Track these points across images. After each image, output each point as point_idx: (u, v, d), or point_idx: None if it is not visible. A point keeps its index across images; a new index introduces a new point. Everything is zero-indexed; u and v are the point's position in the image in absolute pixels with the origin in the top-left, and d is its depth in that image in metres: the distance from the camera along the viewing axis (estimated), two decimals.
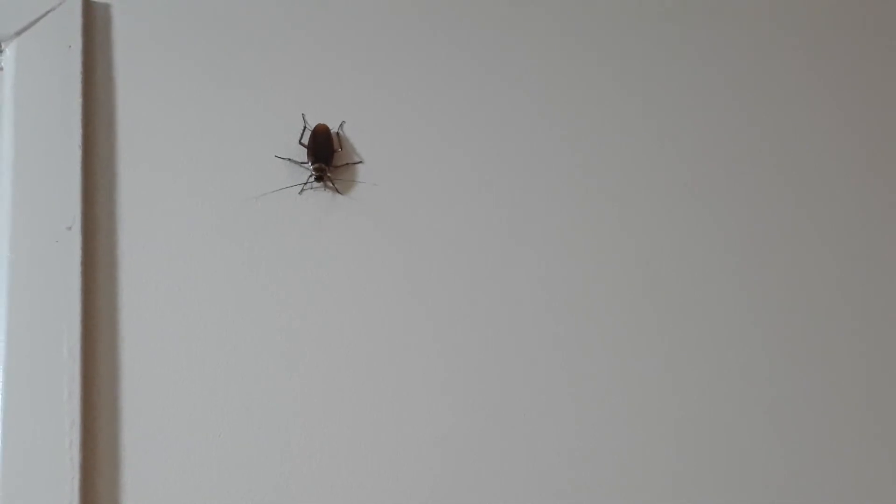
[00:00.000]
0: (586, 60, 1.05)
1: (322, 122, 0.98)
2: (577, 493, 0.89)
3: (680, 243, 0.99)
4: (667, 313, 0.96)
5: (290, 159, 0.96)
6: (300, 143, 0.97)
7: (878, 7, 1.10)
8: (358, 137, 0.99)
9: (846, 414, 0.94)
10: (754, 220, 1.00)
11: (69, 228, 0.90)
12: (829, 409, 0.94)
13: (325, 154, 0.97)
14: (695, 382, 0.94)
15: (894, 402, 0.95)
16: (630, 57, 1.05)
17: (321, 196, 0.96)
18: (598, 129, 1.02)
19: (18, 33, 0.97)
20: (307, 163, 0.96)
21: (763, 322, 0.97)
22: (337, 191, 0.96)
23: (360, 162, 0.98)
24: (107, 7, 0.99)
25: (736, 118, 1.04)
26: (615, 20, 1.07)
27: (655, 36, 1.06)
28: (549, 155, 1.01)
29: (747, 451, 0.92)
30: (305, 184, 0.96)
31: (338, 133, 0.99)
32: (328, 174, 0.96)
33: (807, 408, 0.94)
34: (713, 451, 0.92)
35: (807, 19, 1.09)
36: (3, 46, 0.97)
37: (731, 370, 0.94)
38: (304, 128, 0.98)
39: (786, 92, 1.05)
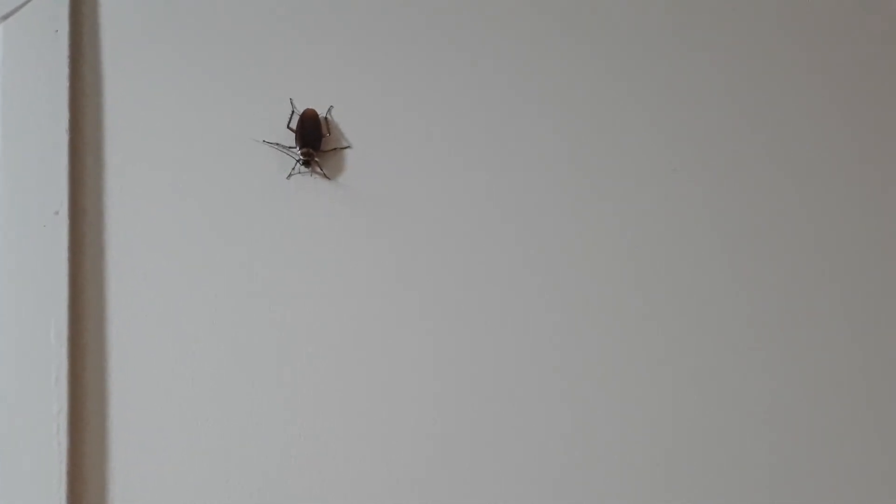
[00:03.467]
0: (578, 49, 1.04)
1: (310, 107, 0.98)
2: (572, 491, 0.89)
3: (676, 238, 0.98)
4: (662, 307, 0.95)
5: (277, 144, 0.96)
6: (288, 127, 0.97)
7: (873, 3, 1.09)
8: (346, 122, 0.99)
9: (843, 412, 0.93)
10: (751, 215, 0.99)
11: (56, 213, 0.90)
12: (827, 406, 0.93)
13: (313, 139, 0.96)
14: (690, 378, 0.93)
15: (893, 398, 0.94)
16: (624, 48, 1.04)
17: (309, 181, 0.96)
18: (590, 116, 1.01)
19: (5, 17, 0.97)
20: (295, 148, 0.96)
21: (758, 316, 0.96)
22: (325, 176, 0.96)
23: (349, 147, 0.98)
24: None
25: (731, 114, 1.03)
26: (609, 11, 1.06)
27: (649, 28, 1.05)
28: (540, 142, 1.00)
29: (746, 450, 0.91)
30: (293, 169, 0.95)
31: (326, 118, 0.99)
32: (316, 159, 0.96)
33: (803, 404, 0.93)
34: (711, 448, 0.91)
35: (801, 11, 1.08)
36: None
37: (729, 367, 0.93)
38: (292, 112, 0.98)
39: (781, 84, 1.04)
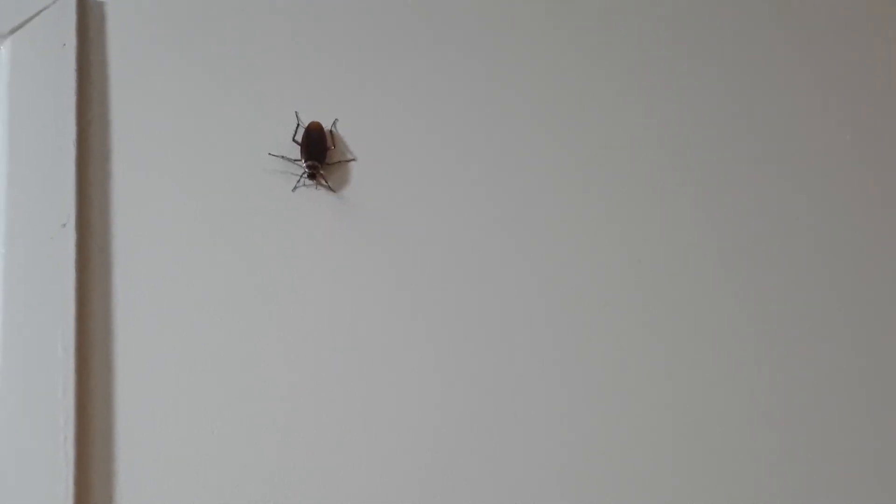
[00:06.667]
0: (579, 58, 1.05)
1: (315, 120, 0.99)
2: (572, 493, 0.89)
3: (675, 241, 0.99)
4: (661, 311, 0.96)
5: (283, 157, 0.97)
6: (293, 140, 0.98)
7: (867, 5, 1.10)
8: (351, 135, 1.00)
9: (840, 413, 0.94)
10: (747, 225, 1.00)
11: (64, 226, 0.91)
12: (823, 407, 0.94)
13: (319, 152, 0.97)
14: (688, 381, 0.94)
15: (889, 398, 0.95)
16: (623, 55, 1.05)
17: (314, 194, 0.97)
18: (592, 128, 1.02)
19: (12, 31, 0.98)
20: (300, 160, 0.97)
21: (756, 319, 0.97)
22: (330, 188, 0.97)
23: (354, 160, 0.99)
24: (101, 5, 1.00)
25: (728, 117, 1.04)
26: (608, 18, 1.07)
27: (646, 32, 1.06)
28: (542, 153, 1.01)
29: (745, 453, 0.91)
30: (298, 181, 0.96)
31: (331, 131, 0.99)
32: (321, 172, 0.96)
33: (799, 406, 0.94)
34: (708, 450, 0.91)
35: (797, 15, 1.09)
36: None
37: (727, 371, 0.94)
38: (298, 125, 0.99)
39: (777, 97, 1.05)
